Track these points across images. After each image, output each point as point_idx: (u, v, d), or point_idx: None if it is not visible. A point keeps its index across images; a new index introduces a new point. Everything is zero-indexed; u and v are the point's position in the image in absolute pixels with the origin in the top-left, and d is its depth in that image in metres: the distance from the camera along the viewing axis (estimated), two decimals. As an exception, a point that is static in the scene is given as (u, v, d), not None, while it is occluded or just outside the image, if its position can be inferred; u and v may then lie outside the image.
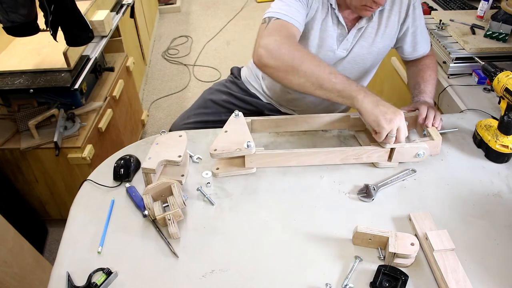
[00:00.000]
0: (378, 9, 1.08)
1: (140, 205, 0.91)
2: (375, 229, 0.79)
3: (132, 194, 0.93)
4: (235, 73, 1.47)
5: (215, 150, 0.93)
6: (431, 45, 1.27)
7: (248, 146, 0.93)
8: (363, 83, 1.32)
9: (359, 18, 1.13)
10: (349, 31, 1.14)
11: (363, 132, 1.09)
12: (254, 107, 1.40)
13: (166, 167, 0.97)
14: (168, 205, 0.86)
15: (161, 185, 0.88)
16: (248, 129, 0.99)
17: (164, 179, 0.88)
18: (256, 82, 1.40)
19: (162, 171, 0.97)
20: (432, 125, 1.04)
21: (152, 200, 0.86)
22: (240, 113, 1.04)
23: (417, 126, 1.08)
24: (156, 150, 0.94)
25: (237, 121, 1.02)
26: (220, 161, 1.01)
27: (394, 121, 0.91)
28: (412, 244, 0.75)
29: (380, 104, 0.92)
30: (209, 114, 1.36)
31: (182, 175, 0.96)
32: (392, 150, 0.97)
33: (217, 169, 0.99)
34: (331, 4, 1.10)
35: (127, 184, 0.97)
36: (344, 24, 1.12)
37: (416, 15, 1.16)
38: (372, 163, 1.01)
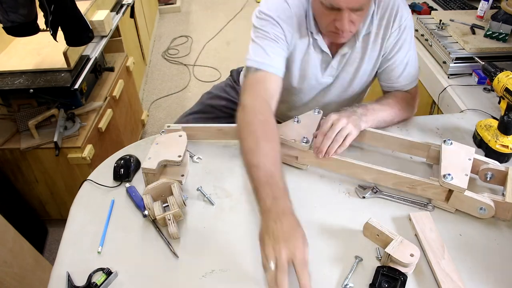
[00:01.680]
0: (360, 35, 1.03)
1: (140, 205, 0.91)
2: (385, 228, 0.79)
3: (132, 194, 0.93)
4: (234, 76, 1.44)
5: (281, 135, 0.94)
6: (416, 86, 1.14)
7: (303, 141, 0.93)
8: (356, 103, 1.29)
9: (342, 43, 1.06)
10: (333, 57, 1.08)
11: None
12: None
13: (166, 167, 0.97)
14: (168, 205, 0.86)
15: (161, 185, 0.88)
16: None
17: (164, 179, 0.88)
18: None
19: (162, 171, 0.97)
20: (320, 153, 0.91)
21: (152, 200, 0.86)
22: (321, 111, 1.03)
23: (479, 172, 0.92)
24: (156, 150, 0.94)
25: (314, 117, 1.02)
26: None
27: (281, 252, 0.68)
28: (412, 255, 0.74)
29: (284, 220, 0.72)
30: (209, 119, 1.34)
31: (182, 175, 0.96)
32: (450, 191, 0.86)
33: None
34: (311, 32, 1.04)
35: (127, 184, 0.97)
36: (328, 51, 1.07)
37: (402, 45, 1.06)
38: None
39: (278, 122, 1.34)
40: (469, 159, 0.90)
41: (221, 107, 1.37)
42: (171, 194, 0.87)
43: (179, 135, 0.99)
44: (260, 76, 0.97)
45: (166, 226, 0.85)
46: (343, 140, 0.92)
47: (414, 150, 1.00)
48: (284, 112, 1.28)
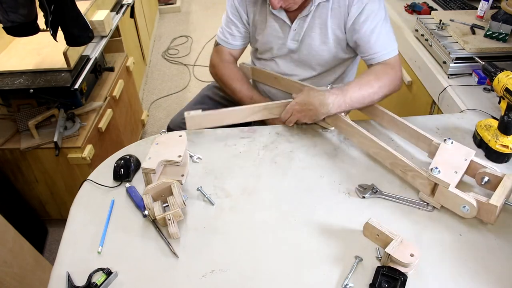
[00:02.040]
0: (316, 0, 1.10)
1: (140, 205, 0.91)
2: (385, 228, 0.79)
3: (132, 194, 0.93)
4: None
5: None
6: (396, 56, 1.13)
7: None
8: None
9: (300, 8, 1.14)
10: (292, 22, 1.17)
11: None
12: None
13: (166, 167, 0.97)
14: (168, 205, 0.86)
15: (161, 185, 0.88)
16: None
17: (164, 179, 0.88)
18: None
19: (162, 171, 0.97)
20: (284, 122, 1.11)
21: (152, 200, 0.86)
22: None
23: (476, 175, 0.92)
24: (156, 150, 0.94)
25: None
26: None
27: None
28: (412, 255, 0.74)
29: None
30: (206, 109, 1.37)
31: (182, 175, 0.96)
32: (436, 185, 0.87)
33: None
34: (268, 2, 1.13)
35: (127, 184, 0.97)
36: (284, 16, 1.16)
37: (368, 15, 1.09)
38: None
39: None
40: (465, 159, 0.90)
41: (218, 98, 1.45)
42: (171, 194, 0.87)
43: (179, 135, 0.99)
44: (220, 48, 1.31)
45: (166, 226, 0.85)
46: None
47: (420, 143, 1.02)
48: (276, 94, 1.35)
